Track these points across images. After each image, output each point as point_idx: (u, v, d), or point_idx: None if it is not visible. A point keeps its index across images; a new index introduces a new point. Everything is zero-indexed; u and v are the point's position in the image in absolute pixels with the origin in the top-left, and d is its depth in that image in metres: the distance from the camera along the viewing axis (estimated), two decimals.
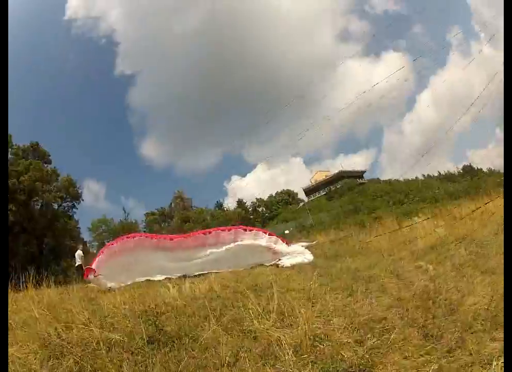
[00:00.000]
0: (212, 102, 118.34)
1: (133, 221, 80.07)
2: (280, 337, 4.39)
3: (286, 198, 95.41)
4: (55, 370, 4.66)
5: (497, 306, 4.47)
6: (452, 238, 10.08)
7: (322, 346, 4.18)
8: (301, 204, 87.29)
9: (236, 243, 13.77)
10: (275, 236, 14.39)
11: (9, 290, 9.83)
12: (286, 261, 12.16)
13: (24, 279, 9.98)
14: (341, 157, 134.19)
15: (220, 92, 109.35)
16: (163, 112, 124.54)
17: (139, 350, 4.76)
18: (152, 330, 5.27)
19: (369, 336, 4.26)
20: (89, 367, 4.65)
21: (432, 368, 3.49)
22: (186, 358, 4.40)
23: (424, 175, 62.95)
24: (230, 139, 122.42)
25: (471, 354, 3.70)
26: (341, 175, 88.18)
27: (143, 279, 14.52)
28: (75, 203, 49.69)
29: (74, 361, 4.78)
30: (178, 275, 15.41)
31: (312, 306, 5.76)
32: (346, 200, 65.55)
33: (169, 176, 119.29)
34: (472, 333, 4.12)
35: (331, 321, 4.82)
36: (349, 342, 4.15)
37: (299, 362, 3.92)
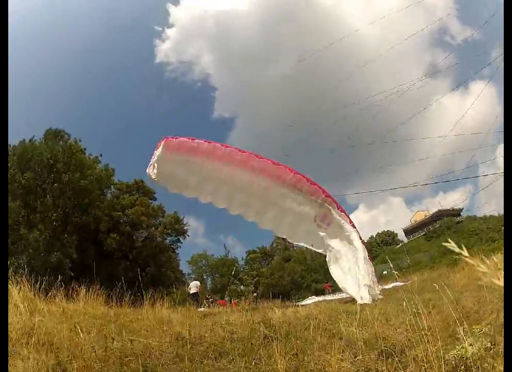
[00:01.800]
0: (307, 144, 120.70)
1: (234, 257, 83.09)
2: (357, 336, 6.44)
3: (386, 239, 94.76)
4: (191, 351, 6.68)
5: None
6: None
7: (382, 340, 6.17)
8: (400, 244, 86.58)
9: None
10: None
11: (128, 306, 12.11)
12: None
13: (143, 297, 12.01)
14: (441, 195, 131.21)
15: (314, 135, 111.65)
16: (265, 153, 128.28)
17: (257, 343, 6.89)
18: (267, 331, 7.37)
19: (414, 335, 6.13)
20: (217, 351, 6.79)
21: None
22: (292, 345, 6.54)
23: None
24: (331, 180, 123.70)
25: None
26: (440, 215, 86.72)
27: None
28: (180, 238, 53.58)
29: (206, 346, 7.05)
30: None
31: (387, 321, 7.71)
32: (443, 240, 64.63)
33: None
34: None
35: (396, 329, 6.78)
36: (402, 339, 6.11)
37: (367, 348, 5.97)
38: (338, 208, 15.74)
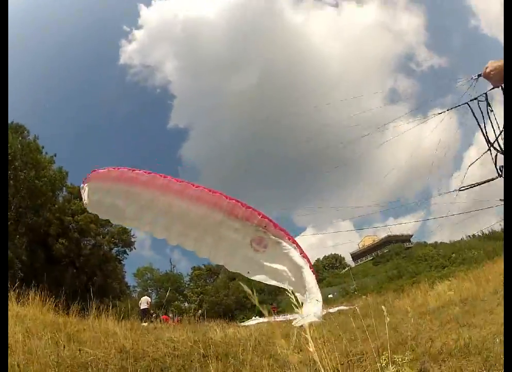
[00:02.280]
0: (262, 163, 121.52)
1: (179, 273, 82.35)
2: (291, 358, 6.47)
3: (333, 262, 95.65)
4: (134, 365, 6.57)
5: (448, 348, 6.31)
6: (458, 300, 11.97)
7: (314, 363, 6.21)
8: (347, 268, 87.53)
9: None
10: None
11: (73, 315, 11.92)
12: (300, 321, 13.53)
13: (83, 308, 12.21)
14: (391, 221, 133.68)
15: (270, 154, 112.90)
16: (215, 169, 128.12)
17: (196, 360, 6.83)
18: (206, 350, 7.35)
19: (347, 360, 6.20)
20: (159, 366, 6.76)
21: None
22: (229, 365, 6.52)
23: (469, 236, 61.33)
24: (280, 201, 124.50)
25: None
26: (389, 240, 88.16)
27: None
28: (127, 250, 53.17)
29: (148, 361, 6.96)
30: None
31: (324, 345, 7.76)
32: (391, 265, 65.59)
33: None
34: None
35: (330, 353, 6.83)
36: (332, 362, 6.17)
37: (299, 370, 6.01)
38: (275, 227, 15.82)
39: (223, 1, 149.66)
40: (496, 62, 2.94)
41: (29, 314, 10.20)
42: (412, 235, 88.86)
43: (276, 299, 56.45)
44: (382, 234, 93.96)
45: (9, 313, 9.14)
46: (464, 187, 6.02)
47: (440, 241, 70.33)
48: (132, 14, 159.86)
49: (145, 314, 23.53)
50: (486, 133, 5.22)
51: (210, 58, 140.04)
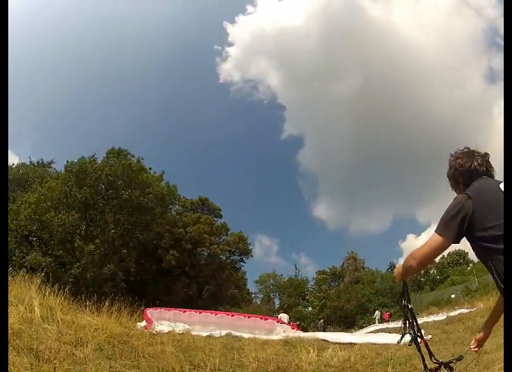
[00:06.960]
0: (378, 163, 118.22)
1: (304, 278, 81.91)
2: None
3: (457, 259, 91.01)
4: None
5: None
6: None
7: None
8: (471, 265, 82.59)
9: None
10: None
11: None
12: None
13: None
14: None
15: (384, 152, 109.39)
16: (333, 174, 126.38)
17: None
18: None
19: None
20: None
21: None
22: None
23: None
24: (402, 200, 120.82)
25: None
26: None
27: None
28: (244, 258, 53.55)
29: None
30: None
31: None
32: None
33: (341, 237, 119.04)
34: None
35: None
36: None
37: None
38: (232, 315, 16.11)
39: (305, 7, 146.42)
40: (399, 267, 3.31)
41: (95, 323, 9.28)
42: None
43: (395, 305, 53.34)
44: None
45: (81, 322, 8.96)
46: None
47: None
48: (219, 33, 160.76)
49: None
50: None
51: (309, 65, 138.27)
